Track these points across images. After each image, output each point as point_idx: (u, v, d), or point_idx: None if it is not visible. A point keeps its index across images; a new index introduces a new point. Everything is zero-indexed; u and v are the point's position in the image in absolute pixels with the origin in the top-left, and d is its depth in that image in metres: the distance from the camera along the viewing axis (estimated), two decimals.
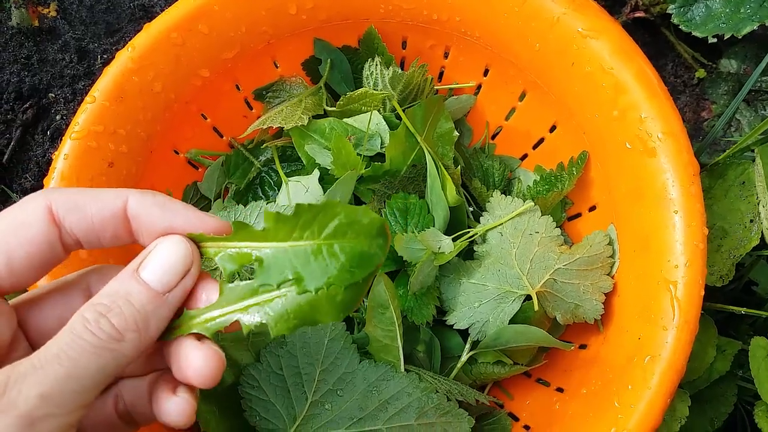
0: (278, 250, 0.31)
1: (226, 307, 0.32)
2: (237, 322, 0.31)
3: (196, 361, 0.31)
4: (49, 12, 0.89)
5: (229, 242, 0.33)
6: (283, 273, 0.31)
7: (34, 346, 0.34)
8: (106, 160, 0.60)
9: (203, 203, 0.71)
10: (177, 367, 0.32)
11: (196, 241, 0.34)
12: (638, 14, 0.85)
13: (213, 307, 0.32)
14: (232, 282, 0.32)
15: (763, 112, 0.82)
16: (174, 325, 0.33)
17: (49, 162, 0.59)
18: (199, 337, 0.32)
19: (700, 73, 0.86)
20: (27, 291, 0.35)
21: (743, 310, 0.59)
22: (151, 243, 0.33)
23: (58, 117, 0.86)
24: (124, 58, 0.60)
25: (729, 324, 0.68)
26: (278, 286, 0.31)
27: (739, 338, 0.64)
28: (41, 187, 0.58)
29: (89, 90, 0.60)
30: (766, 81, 0.82)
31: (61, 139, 0.60)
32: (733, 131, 0.83)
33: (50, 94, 0.87)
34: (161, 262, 0.32)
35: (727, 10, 0.60)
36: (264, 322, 0.31)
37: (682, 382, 0.61)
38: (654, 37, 0.88)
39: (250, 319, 0.31)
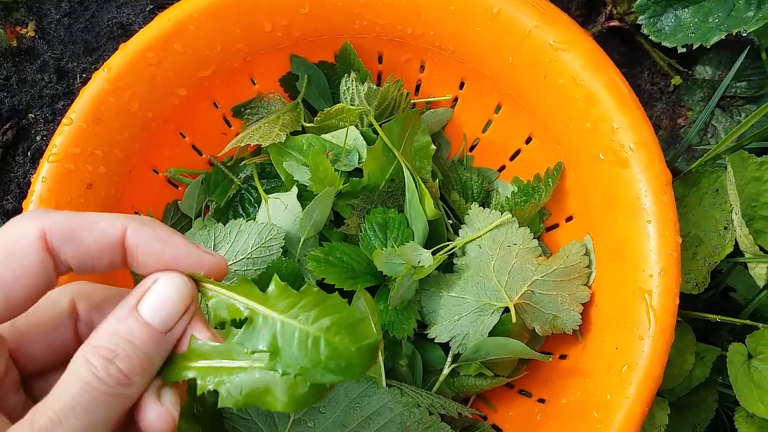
0: (271, 318, 0.31)
1: (189, 362, 0.31)
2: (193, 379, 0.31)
3: (150, 415, 0.31)
4: (27, 32, 0.89)
5: (228, 291, 0.32)
6: (263, 341, 0.30)
7: (21, 369, 0.34)
8: (84, 181, 0.60)
9: (183, 222, 0.71)
10: (135, 410, 0.32)
11: (195, 280, 0.33)
12: (613, 23, 0.86)
13: (177, 359, 0.32)
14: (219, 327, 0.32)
15: (738, 117, 0.83)
16: None
17: (30, 184, 0.59)
18: (163, 385, 0.32)
19: (676, 80, 0.87)
20: None
21: (718, 318, 0.59)
22: (148, 275, 0.33)
23: (38, 138, 0.86)
24: (100, 79, 0.60)
25: (708, 330, 0.69)
26: (251, 353, 0.30)
27: (719, 344, 0.64)
28: (22, 209, 0.58)
29: (69, 111, 0.60)
30: (740, 86, 0.83)
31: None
32: (709, 137, 0.84)
33: (30, 115, 0.87)
34: (162, 300, 0.31)
35: (696, 20, 0.61)
36: (216, 389, 0.30)
37: (662, 390, 0.62)
38: (629, 45, 0.89)
39: (205, 382, 0.30)
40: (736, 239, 0.59)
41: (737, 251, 0.61)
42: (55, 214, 0.32)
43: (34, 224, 0.31)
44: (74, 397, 0.28)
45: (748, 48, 0.65)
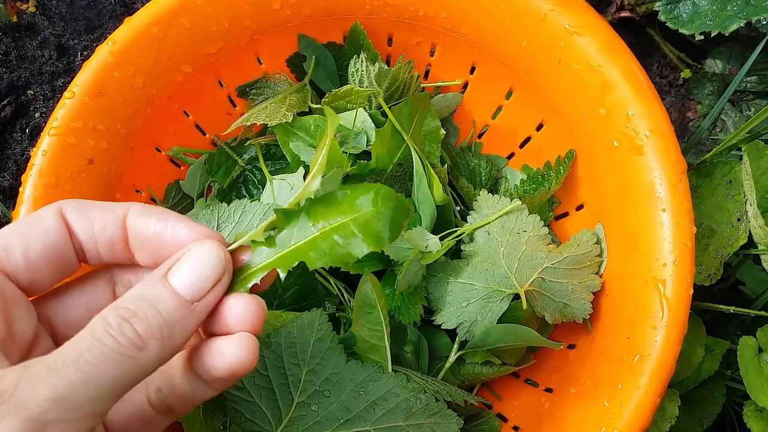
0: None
1: (262, 262, 0.32)
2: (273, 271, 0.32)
3: (238, 308, 0.31)
4: (28, 7, 0.87)
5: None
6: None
7: (57, 341, 0.34)
8: (85, 157, 0.59)
9: (186, 202, 0.70)
10: (217, 322, 0.32)
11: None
12: (624, 14, 0.85)
13: (248, 267, 0.32)
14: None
15: (748, 112, 0.82)
16: None
17: (28, 160, 0.57)
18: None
19: (686, 73, 0.87)
20: None
21: (732, 309, 0.58)
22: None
23: (37, 114, 0.85)
24: (103, 52, 0.59)
25: (717, 324, 0.68)
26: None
27: (727, 338, 0.63)
28: (20, 185, 0.57)
29: (71, 84, 0.59)
30: (751, 81, 0.82)
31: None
32: (718, 131, 0.83)
33: (29, 92, 0.85)
34: (192, 268, 0.31)
35: (714, 8, 0.60)
36: (301, 261, 0.31)
37: (671, 382, 0.61)
38: (639, 37, 0.88)
39: (287, 265, 0.31)
40: (749, 231, 0.58)
41: (750, 243, 0.60)
42: (75, 199, 0.34)
43: (55, 204, 0.33)
44: (80, 350, 0.27)
45: (765, 41, 0.64)
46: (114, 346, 0.27)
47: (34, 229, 0.32)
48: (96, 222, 0.32)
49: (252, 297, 0.32)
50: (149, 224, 0.32)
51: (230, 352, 0.31)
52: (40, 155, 0.56)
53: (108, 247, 0.33)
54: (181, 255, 0.31)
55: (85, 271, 0.35)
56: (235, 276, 0.33)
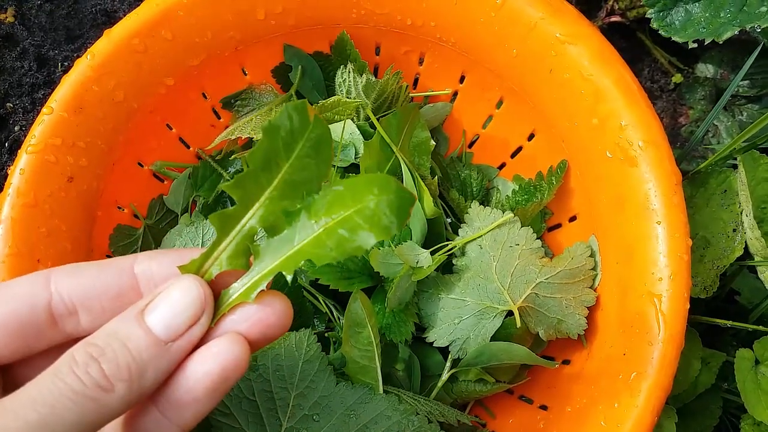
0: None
1: (264, 267, 0.30)
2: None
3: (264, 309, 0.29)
4: (6, 18, 0.85)
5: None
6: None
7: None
8: (65, 174, 0.57)
9: (169, 217, 0.68)
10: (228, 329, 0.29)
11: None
12: (614, 19, 0.84)
13: (249, 274, 0.30)
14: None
15: (740, 117, 0.82)
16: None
17: (7, 177, 0.56)
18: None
19: (677, 78, 0.86)
20: None
21: (729, 323, 0.57)
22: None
23: (16, 128, 0.83)
24: (83, 66, 0.57)
25: (712, 335, 0.67)
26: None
27: (723, 349, 0.62)
28: None
29: (49, 99, 0.57)
30: (743, 86, 0.81)
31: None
32: (710, 137, 0.82)
33: (8, 104, 0.83)
34: (169, 306, 0.29)
35: (707, 15, 0.59)
36: (306, 261, 0.30)
37: (668, 397, 0.60)
38: (630, 41, 0.87)
39: (291, 266, 0.30)
40: (745, 241, 0.57)
41: (746, 254, 0.59)
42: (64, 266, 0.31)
43: (42, 271, 0.31)
44: (41, 390, 0.25)
45: (761, 46, 0.63)
46: (77, 387, 0.25)
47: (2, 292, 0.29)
48: (97, 279, 0.30)
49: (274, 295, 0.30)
50: (166, 261, 0.30)
51: (222, 350, 0.29)
52: (18, 174, 0.54)
53: (114, 301, 0.31)
54: (162, 290, 0.29)
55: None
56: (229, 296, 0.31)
